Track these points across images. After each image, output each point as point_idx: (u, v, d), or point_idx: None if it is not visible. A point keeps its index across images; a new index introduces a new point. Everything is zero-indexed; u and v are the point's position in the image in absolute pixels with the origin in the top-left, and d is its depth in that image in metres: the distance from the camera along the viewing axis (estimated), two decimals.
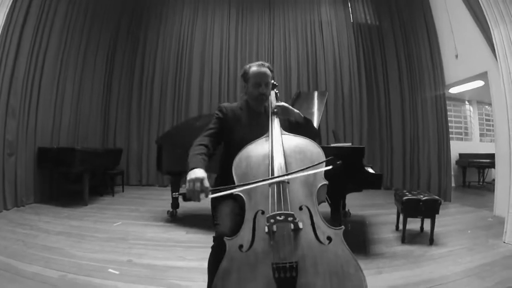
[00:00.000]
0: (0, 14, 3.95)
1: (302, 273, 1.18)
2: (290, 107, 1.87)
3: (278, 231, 1.27)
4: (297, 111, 1.88)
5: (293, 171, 1.44)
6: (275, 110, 1.82)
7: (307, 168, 1.44)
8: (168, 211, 4.27)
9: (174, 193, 1.53)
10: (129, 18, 7.47)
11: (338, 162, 1.47)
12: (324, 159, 1.54)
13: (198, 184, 1.37)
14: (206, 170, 1.48)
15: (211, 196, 1.42)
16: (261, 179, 1.41)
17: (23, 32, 4.53)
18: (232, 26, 7.66)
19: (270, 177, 1.44)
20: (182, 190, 1.44)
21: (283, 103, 1.86)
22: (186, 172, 1.45)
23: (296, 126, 1.88)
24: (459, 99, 8.59)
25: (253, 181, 1.42)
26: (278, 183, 1.41)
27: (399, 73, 6.95)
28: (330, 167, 1.47)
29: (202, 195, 1.37)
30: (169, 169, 4.26)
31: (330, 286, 1.16)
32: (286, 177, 1.42)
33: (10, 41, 4.30)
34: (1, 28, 3.97)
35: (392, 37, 7.12)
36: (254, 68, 1.87)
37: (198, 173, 1.42)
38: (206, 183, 1.39)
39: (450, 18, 5.61)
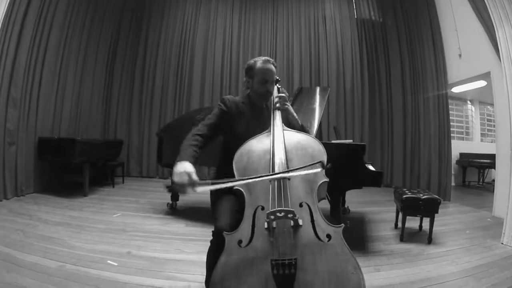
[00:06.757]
0: (2, 4, 3.92)
1: (300, 270, 1.18)
2: (291, 108, 1.85)
3: (277, 227, 1.27)
4: (296, 117, 1.86)
5: (292, 168, 1.44)
6: (277, 104, 1.80)
7: (305, 166, 1.42)
8: (167, 203, 4.28)
9: (164, 184, 1.48)
10: (132, 10, 7.42)
11: (327, 166, 1.44)
12: (325, 156, 1.53)
13: (186, 178, 1.34)
14: (196, 163, 1.47)
15: (199, 189, 1.38)
16: (258, 176, 1.40)
17: (25, 22, 4.49)
18: (235, 19, 7.61)
19: (266, 174, 1.42)
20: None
21: (286, 106, 1.82)
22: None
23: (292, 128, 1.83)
24: (461, 98, 8.57)
25: (248, 177, 1.42)
26: (279, 179, 1.40)
27: (402, 71, 6.91)
28: (319, 169, 1.44)
29: (189, 189, 1.35)
30: (169, 161, 4.25)
31: (328, 283, 1.17)
32: (280, 175, 1.40)
33: (11, 31, 4.26)
34: (2, 18, 3.96)
35: (395, 34, 7.07)
36: (260, 64, 1.82)
37: (186, 166, 1.39)
38: (195, 177, 1.36)
39: (454, 17, 5.56)
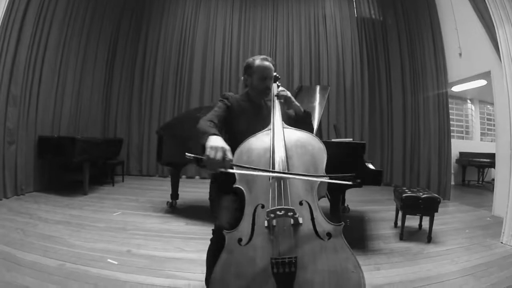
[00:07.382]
0: (2, 2, 3.91)
1: (301, 268, 1.18)
2: (292, 97, 1.86)
3: (277, 225, 1.26)
4: (298, 104, 1.87)
5: (300, 173, 1.43)
6: (280, 95, 1.81)
7: (313, 176, 1.43)
8: (167, 202, 4.29)
9: (188, 154, 1.35)
10: (132, 8, 7.41)
11: (358, 181, 1.36)
12: (325, 154, 1.53)
13: (220, 154, 1.29)
14: None
15: (231, 171, 1.34)
16: (276, 171, 1.39)
17: (25, 20, 4.48)
18: (235, 18, 7.60)
19: (287, 171, 1.41)
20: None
21: (286, 93, 1.83)
22: (187, 161, 1.36)
23: (295, 120, 1.86)
24: (461, 97, 8.57)
25: (271, 170, 1.40)
26: (279, 177, 1.39)
27: (402, 70, 6.90)
28: (348, 182, 1.37)
29: (221, 168, 1.29)
30: (169, 160, 4.26)
31: (328, 282, 1.16)
32: (294, 176, 1.40)
33: (11, 29, 4.25)
34: (2, 16, 3.95)
35: (396, 33, 7.06)
36: (259, 62, 1.85)
37: (221, 142, 1.34)
38: (230, 155, 1.32)
39: (455, 16, 5.54)
